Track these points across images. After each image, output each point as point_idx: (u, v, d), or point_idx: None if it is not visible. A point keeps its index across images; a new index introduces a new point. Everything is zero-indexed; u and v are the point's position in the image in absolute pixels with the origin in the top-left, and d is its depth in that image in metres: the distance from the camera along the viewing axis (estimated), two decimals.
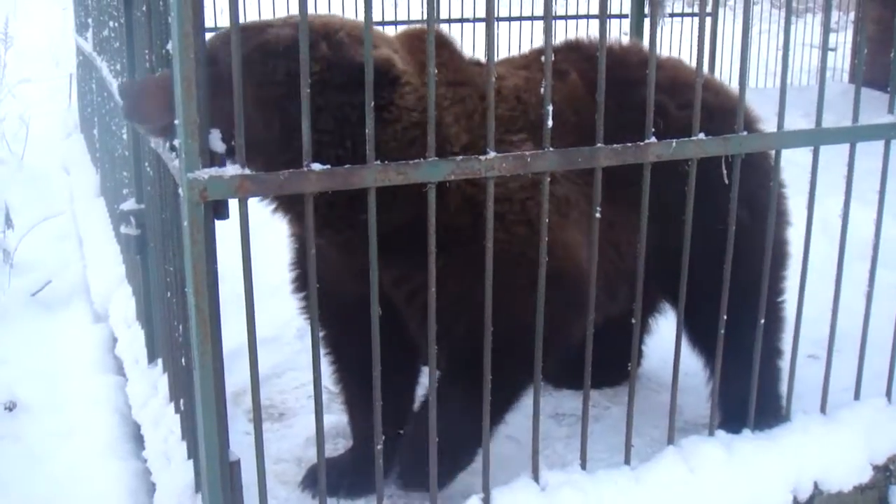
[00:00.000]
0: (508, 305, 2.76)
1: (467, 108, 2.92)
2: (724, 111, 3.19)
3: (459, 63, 3.04)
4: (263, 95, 2.65)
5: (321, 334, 3.14)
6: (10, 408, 4.11)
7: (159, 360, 3.78)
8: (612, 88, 2.75)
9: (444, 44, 3.01)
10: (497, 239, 2.65)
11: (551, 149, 2.58)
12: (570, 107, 3.09)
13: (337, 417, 3.62)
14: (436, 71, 2.44)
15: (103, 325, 4.85)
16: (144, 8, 3.15)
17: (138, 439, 3.73)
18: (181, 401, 3.17)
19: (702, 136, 2.80)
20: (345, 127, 2.68)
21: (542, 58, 3.13)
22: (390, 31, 3.41)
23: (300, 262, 3.20)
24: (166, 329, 3.36)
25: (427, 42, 2.41)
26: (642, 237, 2.83)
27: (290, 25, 2.71)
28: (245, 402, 3.77)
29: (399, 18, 9.44)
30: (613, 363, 3.82)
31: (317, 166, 2.32)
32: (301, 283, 3.21)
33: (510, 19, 10.28)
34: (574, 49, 3.36)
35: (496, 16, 2.46)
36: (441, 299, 2.59)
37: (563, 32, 9.97)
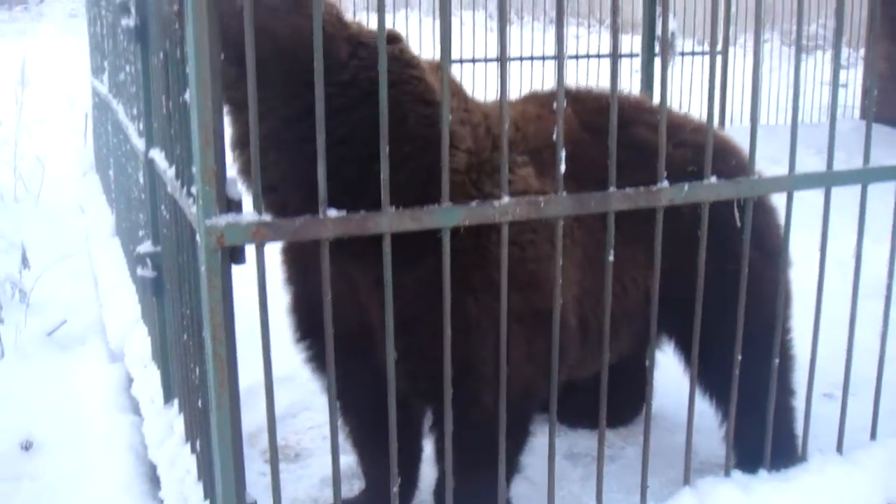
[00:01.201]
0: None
1: (472, 118, 2.98)
2: (717, 150, 3.23)
3: (463, 92, 3.11)
4: None
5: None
6: (27, 447, 4.13)
7: (175, 401, 3.79)
8: (605, 127, 2.79)
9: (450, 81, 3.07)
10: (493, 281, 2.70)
11: (564, 193, 2.60)
12: (565, 140, 3.11)
13: (351, 458, 3.62)
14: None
15: (119, 364, 4.87)
16: (161, 55, 3.19)
17: (154, 479, 3.73)
18: (197, 442, 3.18)
19: (713, 179, 2.82)
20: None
21: (536, 99, 3.21)
22: None
23: (299, 308, 3.17)
24: (182, 370, 3.38)
25: (442, 83, 2.46)
26: (655, 280, 2.85)
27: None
28: (261, 442, 3.80)
29: None
30: (625, 402, 3.84)
31: (332, 212, 2.35)
32: (302, 332, 3.20)
33: (521, 59, 10.35)
34: (572, 97, 3.41)
35: (508, 56, 2.50)
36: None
37: (575, 72, 10.06)
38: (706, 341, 3.04)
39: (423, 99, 2.80)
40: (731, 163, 3.24)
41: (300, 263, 2.96)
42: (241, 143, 2.76)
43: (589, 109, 3.26)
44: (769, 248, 3.24)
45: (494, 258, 2.72)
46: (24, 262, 5.89)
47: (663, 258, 2.92)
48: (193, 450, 3.31)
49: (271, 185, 2.62)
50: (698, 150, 3.02)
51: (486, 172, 2.89)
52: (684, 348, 3.41)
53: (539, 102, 3.37)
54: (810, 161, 6.52)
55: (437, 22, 2.46)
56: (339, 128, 2.59)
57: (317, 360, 3.15)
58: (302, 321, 3.13)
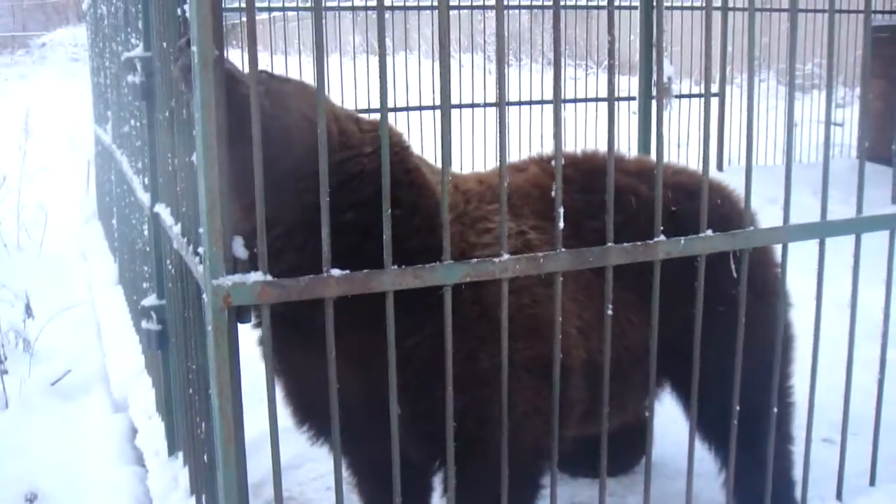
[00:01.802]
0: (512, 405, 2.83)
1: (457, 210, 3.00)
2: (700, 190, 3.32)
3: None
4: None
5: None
6: (31, 500, 4.15)
7: (180, 453, 3.82)
8: (579, 178, 2.96)
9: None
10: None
11: (563, 250, 2.65)
12: (533, 185, 3.23)
13: None
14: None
15: (123, 414, 4.89)
16: (167, 113, 3.25)
17: None
18: (203, 495, 3.21)
19: (710, 232, 2.87)
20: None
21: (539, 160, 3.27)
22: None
23: (293, 396, 3.12)
24: (188, 423, 3.41)
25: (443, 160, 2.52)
26: (654, 331, 2.89)
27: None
28: (265, 493, 3.81)
29: (417, 104, 9.59)
30: (626, 449, 3.85)
31: (336, 272, 2.39)
32: (301, 417, 3.15)
33: (520, 103, 10.43)
34: (529, 159, 3.53)
35: (507, 100, 2.56)
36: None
37: (573, 115, 10.13)
38: (704, 387, 3.08)
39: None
40: (716, 201, 3.26)
41: (283, 355, 2.95)
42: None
43: (580, 170, 3.31)
44: (765, 290, 3.27)
45: (497, 312, 2.76)
46: (28, 311, 5.93)
47: (663, 306, 2.98)
48: (199, 502, 3.34)
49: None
50: (676, 189, 3.17)
51: (466, 224, 2.93)
52: (682, 394, 3.43)
53: (540, 165, 3.43)
54: (807, 202, 6.58)
55: (437, 65, 2.51)
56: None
57: (322, 435, 3.15)
58: (299, 408, 3.13)
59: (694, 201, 3.07)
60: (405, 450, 2.75)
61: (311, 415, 3.09)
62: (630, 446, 3.94)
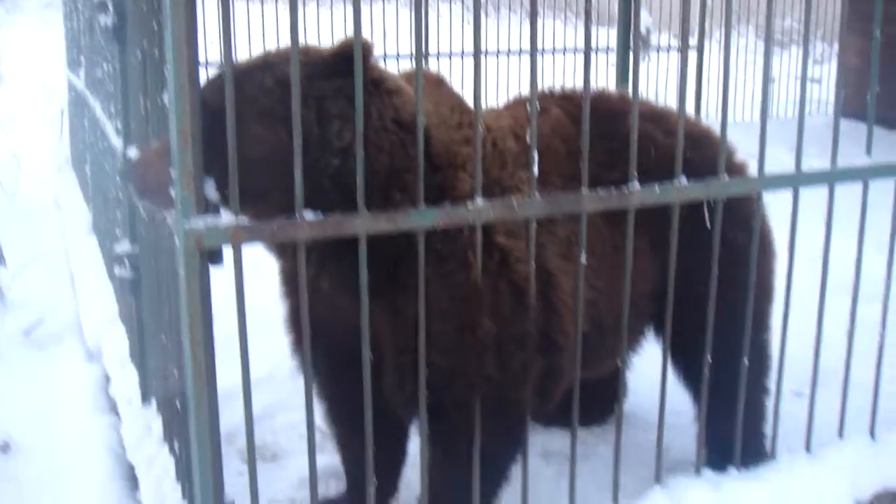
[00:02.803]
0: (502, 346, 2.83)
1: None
2: (706, 137, 3.38)
3: (457, 98, 3.06)
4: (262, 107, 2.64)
5: (315, 375, 3.18)
6: (4, 449, 4.13)
7: (153, 401, 3.81)
8: (596, 122, 2.81)
9: (441, 83, 3.07)
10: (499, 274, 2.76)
11: (537, 195, 2.64)
12: (558, 136, 3.18)
13: (330, 458, 3.65)
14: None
15: (97, 363, 4.87)
16: (139, 54, 3.20)
17: (132, 480, 3.75)
18: (175, 442, 3.21)
19: (683, 180, 2.86)
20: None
21: (523, 104, 3.23)
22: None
23: (295, 320, 3.17)
24: (160, 370, 3.40)
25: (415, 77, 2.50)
26: (626, 279, 2.89)
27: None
28: (238, 442, 3.81)
29: (395, 52, 9.48)
30: (600, 401, 3.87)
31: (309, 215, 2.37)
32: (294, 322, 3.22)
33: (498, 53, 10.38)
34: (550, 93, 3.44)
35: (484, 50, 2.53)
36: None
37: (551, 67, 10.09)
38: (686, 336, 3.10)
39: (398, 121, 2.76)
40: (707, 153, 3.26)
41: (295, 280, 2.95)
42: None
43: (577, 105, 3.25)
44: (747, 243, 3.27)
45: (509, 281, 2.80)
46: (1, 260, 5.88)
47: (663, 256, 3.01)
48: (172, 450, 3.34)
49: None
50: (689, 138, 3.07)
51: (496, 195, 2.80)
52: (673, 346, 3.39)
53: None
54: (783, 158, 6.58)
55: (413, 14, 2.48)
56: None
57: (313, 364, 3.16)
58: (295, 310, 3.14)
59: (699, 148, 3.12)
60: (382, 397, 2.75)
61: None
62: (605, 398, 3.95)
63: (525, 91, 3.09)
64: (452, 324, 2.80)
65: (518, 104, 3.36)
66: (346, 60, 2.55)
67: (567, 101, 3.33)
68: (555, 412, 3.46)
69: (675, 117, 3.09)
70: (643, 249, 3.15)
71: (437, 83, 3.05)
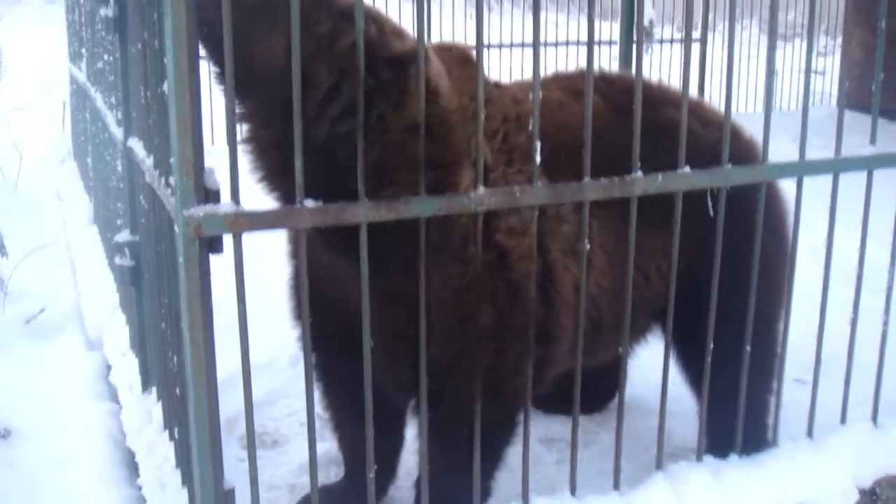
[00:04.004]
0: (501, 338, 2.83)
1: (489, 126, 2.88)
2: (735, 129, 3.27)
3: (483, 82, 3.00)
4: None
5: (316, 361, 3.18)
6: (5, 435, 4.14)
7: (153, 388, 3.81)
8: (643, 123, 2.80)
9: (468, 62, 2.98)
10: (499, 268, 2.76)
11: (539, 184, 2.63)
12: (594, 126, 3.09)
13: (330, 445, 3.65)
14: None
15: (97, 352, 4.87)
16: (140, 45, 3.20)
17: (132, 466, 3.75)
18: (175, 429, 3.20)
19: (687, 169, 2.86)
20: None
21: (560, 78, 3.16)
22: None
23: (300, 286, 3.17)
24: (160, 358, 3.39)
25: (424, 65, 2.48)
26: (629, 266, 2.89)
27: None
28: (238, 429, 3.82)
29: None
30: (601, 387, 3.86)
31: (310, 203, 2.37)
32: (296, 293, 3.16)
33: (500, 46, 10.36)
34: (598, 76, 3.32)
35: (487, 43, 2.51)
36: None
37: (553, 59, 10.07)
38: (693, 327, 3.11)
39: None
40: (739, 144, 3.22)
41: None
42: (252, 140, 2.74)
43: (618, 90, 3.22)
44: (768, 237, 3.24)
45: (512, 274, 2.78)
46: (2, 249, 5.87)
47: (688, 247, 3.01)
48: (171, 437, 3.34)
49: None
50: (719, 129, 3.06)
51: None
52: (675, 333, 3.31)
53: (562, 86, 3.29)
54: (786, 148, 6.55)
55: (415, 5, 2.47)
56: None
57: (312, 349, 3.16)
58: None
59: (739, 140, 3.12)
60: (381, 384, 2.75)
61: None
62: (606, 384, 3.95)
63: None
64: (448, 315, 2.80)
65: (555, 82, 3.29)
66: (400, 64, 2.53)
67: (608, 85, 3.25)
68: (555, 399, 3.46)
69: (705, 108, 3.05)
70: (663, 248, 3.11)
71: (463, 62, 2.96)
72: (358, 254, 2.46)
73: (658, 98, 3.23)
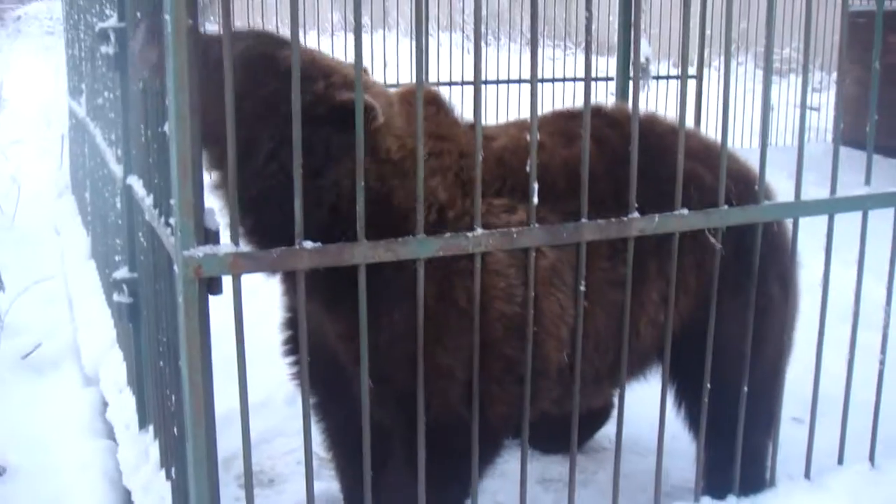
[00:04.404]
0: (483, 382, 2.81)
1: (443, 163, 2.91)
2: (739, 175, 3.26)
3: (444, 119, 3.05)
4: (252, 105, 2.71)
5: (314, 401, 3.18)
6: (1, 472, 4.12)
7: (150, 426, 3.80)
8: (642, 157, 2.82)
9: (433, 101, 3.03)
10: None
11: (537, 225, 2.65)
12: (608, 162, 3.05)
13: (327, 484, 3.64)
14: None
15: (94, 388, 4.86)
16: (140, 84, 3.22)
17: None
18: (172, 468, 3.20)
19: (684, 211, 2.87)
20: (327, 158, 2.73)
21: (562, 121, 3.18)
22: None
23: (292, 324, 3.18)
24: (158, 396, 3.39)
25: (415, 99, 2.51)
26: (626, 308, 2.90)
27: (304, 54, 2.78)
28: (235, 467, 3.81)
29: (395, 81, 9.49)
30: (588, 421, 3.83)
31: (308, 244, 2.38)
32: (293, 347, 3.20)
33: (498, 82, 10.41)
34: (595, 114, 3.19)
35: (483, 79, 2.53)
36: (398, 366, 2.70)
37: (551, 95, 10.12)
38: (696, 371, 3.11)
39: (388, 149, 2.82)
40: (750, 191, 3.20)
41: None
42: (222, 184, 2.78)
43: (625, 133, 3.09)
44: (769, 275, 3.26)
45: (469, 292, 2.75)
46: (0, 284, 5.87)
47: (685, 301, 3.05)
48: (168, 476, 3.33)
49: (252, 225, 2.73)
50: (738, 179, 3.14)
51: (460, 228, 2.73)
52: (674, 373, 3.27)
53: (555, 125, 3.22)
54: (782, 185, 6.59)
55: (414, 43, 2.50)
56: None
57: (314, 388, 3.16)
58: (294, 336, 3.14)
59: (749, 189, 3.11)
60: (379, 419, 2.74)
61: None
62: (585, 422, 3.82)
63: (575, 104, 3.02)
64: (411, 352, 2.72)
65: (552, 120, 3.26)
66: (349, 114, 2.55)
67: (610, 130, 3.16)
68: (553, 438, 3.45)
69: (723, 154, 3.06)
70: (658, 301, 3.12)
71: (430, 102, 2.99)
72: (321, 296, 2.49)
73: (669, 143, 3.07)
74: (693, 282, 3.14)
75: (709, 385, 3.08)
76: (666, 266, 2.97)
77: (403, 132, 2.86)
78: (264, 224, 2.71)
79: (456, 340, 2.79)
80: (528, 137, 2.69)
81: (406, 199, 2.77)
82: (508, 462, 3.25)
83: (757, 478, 3.40)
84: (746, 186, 3.16)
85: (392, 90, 3.16)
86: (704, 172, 3.15)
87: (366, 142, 2.50)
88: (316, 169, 2.67)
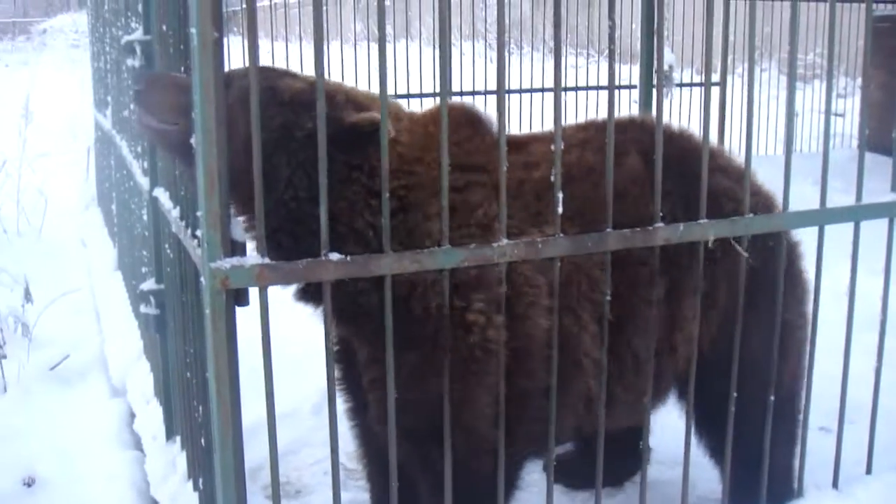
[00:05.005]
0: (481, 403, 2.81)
1: (471, 199, 2.80)
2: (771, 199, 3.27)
3: (480, 144, 2.91)
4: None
5: (347, 406, 3.18)
6: (29, 484, 4.15)
7: (178, 437, 3.82)
8: (681, 179, 2.88)
9: (470, 121, 2.95)
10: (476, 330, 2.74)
11: (561, 235, 2.65)
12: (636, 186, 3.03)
13: (353, 495, 3.65)
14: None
15: (121, 399, 4.89)
16: None
17: None
18: (200, 479, 3.21)
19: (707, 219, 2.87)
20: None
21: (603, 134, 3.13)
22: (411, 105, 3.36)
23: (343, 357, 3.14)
24: (185, 407, 3.41)
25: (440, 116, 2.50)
26: (652, 326, 2.89)
27: (303, 81, 2.84)
28: (262, 478, 3.82)
29: (418, 91, 9.50)
30: (620, 462, 3.74)
31: (335, 256, 2.39)
32: (345, 386, 3.19)
33: (521, 91, 10.41)
34: (637, 127, 3.22)
35: (507, 88, 2.52)
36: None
37: (574, 104, 10.11)
38: (724, 407, 3.09)
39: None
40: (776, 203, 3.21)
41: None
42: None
43: (676, 147, 3.11)
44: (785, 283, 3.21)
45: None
46: (27, 296, 5.92)
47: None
48: (196, 487, 3.34)
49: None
50: (757, 196, 3.13)
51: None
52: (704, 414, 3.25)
53: (600, 141, 3.01)
54: (807, 192, 6.56)
55: (437, 52, 2.50)
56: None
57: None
58: (346, 377, 3.14)
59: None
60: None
61: (343, 379, 3.14)
62: (626, 456, 3.73)
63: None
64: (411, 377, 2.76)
65: (594, 136, 3.13)
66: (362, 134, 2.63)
67: (641, 142, 3.08)
68: (580, 474, 3.45)
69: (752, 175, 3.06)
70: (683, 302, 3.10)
71: (465, 123, 2.95)
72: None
73: (697, 158, 2.97)
74: (722, 296, 3.13)
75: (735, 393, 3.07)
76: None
77: (406, 151, 2.83)
78: (288, 249, 2.69)
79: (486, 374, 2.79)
80: (572, 156, 2.75)
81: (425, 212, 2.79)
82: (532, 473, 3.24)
83: (784, 485, 3.38)
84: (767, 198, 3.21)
85: (424, 110, 3.09)
86: (736, 189, 3.08)
87: (366, 162, 2.64)
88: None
